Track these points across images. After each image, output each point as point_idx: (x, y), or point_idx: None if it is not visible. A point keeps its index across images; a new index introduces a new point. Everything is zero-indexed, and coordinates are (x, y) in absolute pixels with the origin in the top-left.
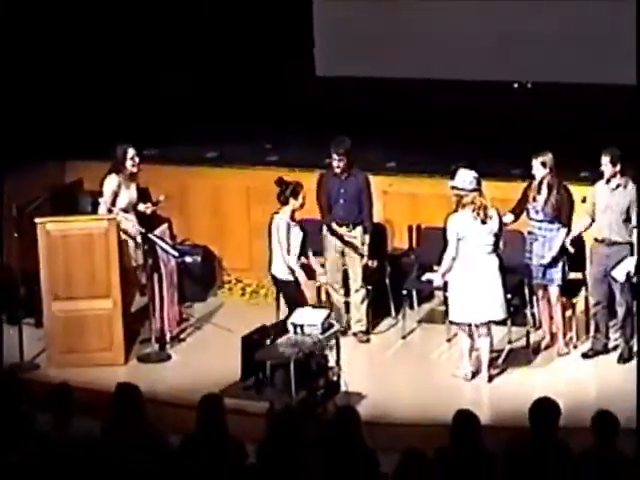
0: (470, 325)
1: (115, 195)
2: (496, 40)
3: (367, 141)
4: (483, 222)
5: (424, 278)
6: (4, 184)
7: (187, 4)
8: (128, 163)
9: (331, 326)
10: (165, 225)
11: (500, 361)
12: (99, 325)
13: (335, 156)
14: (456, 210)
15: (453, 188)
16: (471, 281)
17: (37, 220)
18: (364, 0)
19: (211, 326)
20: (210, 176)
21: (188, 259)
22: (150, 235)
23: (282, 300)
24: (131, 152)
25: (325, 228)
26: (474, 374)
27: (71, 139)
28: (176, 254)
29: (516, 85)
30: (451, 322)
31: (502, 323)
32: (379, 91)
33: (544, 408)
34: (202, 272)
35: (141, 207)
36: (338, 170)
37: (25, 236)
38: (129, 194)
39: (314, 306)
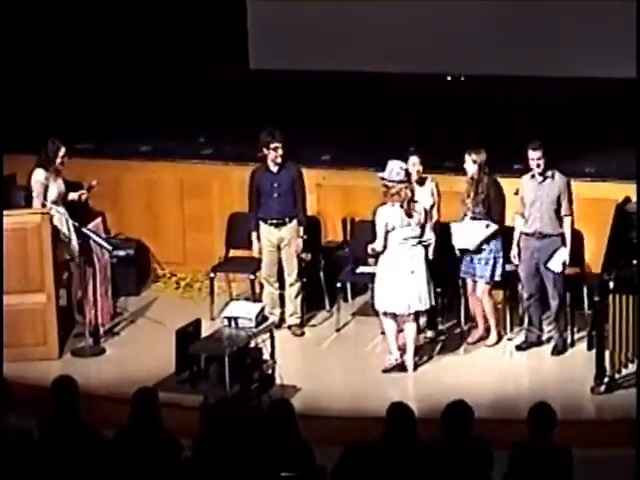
0: (395, 314)
1: (45, 188)
2: (431, 35)
3: (301, 135)
4: (408, 214)
5: (358, 271)
6: None
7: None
8: (57, 160)
9: (265, 319)
10: (99, 219)
11: (433, 351)
12: (33, 319)
13: (274, 145)
14: (384, 202)
15: (382, 179)
16: (397, 272)
17: None
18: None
19: (145, 320)
20: (144, 170)
21: (122, 253)
22: (84, 229)
23: (215, 294)
24: (62, 151)
25: (261, 222)
26: (402, 360)
27: (3, 132)
28: (110, 248)
29: (449, 78)
30: (376, 311)
31: (432, 313)
32: (313, 84)
33: (458, 411)
34: (136, 266)
35: (73, 195)
36: (279, 160)
37: None
38: (57, 186)
39: (248, 299)
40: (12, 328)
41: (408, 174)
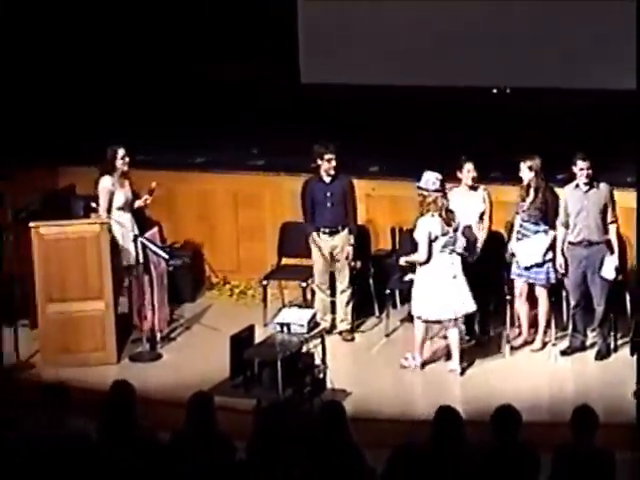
0: (436, 321)
1: (111, 195)
2: (479, 50)
3: (351, 146)
4: (447, 223)
5: (406, 278)
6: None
7: (175, 8)
8: (118, 162)
9: (317, 325)
10: (155, 228)
11: (479, 355)
12: (92, 326)
13: (328, 156)
14: (421, 212)
15: (419, 189)
16: (441, 279)
17: (31, 224)
18: (349, 8)
19: (200, 326)
20: (198, 181)
21: (177, 261)
22: (141, 238)
23: (268, 301)
24: (121, 152)
25: (314, 233)
26: (424, 365)
27: (63, 145)
28: (166, 256)
29: (495, 90)
30: (417, 318)
31: (481, 317)
32: (363, 97)
33: (506, 415)
34: (191, 274)
35: (138, 202)
36: (332, 172)
37: (20, 240)
38: (125, 193)
39: (300, 306)
40: (72, 334)
41: (443, 184)
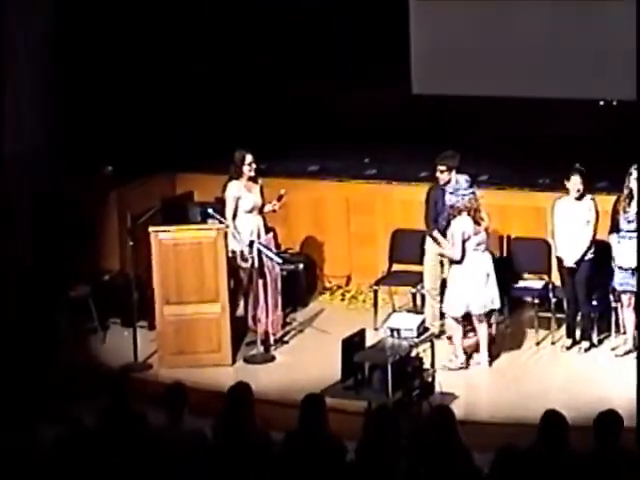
0: (465, 317)
1: (237, 201)
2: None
3: (461, 156)
4: (477, 223)
5: (517, 285)
6: (119, 196)
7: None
8: (245, 168)
9: (426, 330)
10: (270, 234)
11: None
12: (208, 328)
13: (439, 167)
14: (453, 212)
15: (450, 193)
16: (475, 276)
17: (150, 229)
18: (461, 18)
19: (313, 329)
20: (312, 188)
21: (291, 266)
22: (256, 243)
23: (379, 306)
24: (249, 158)
25: (428, 238)
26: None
27: (182, 153)
28: (280, 262)
29: (602, 103)
30: (447, 316)
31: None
32: (473, 108)
33: (609, 421)
34: (304, 279)
35: (268, 208)
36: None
37: (139, 244)
38: (253, 197)
39: (410, 311)
40: (188, 336)
41: (472, 185)
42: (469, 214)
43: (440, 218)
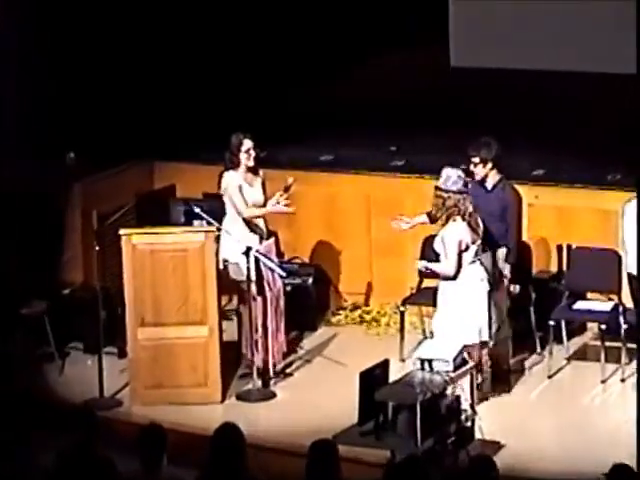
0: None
1: (241, 191)
2: None
3: (510, 144)
4: (473, 229)
5: (576, 307)
6: (84, 189)
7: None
8: (242, 156)
9: (465, 362)
10: (271, 240)
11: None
12: (193, 356)
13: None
14: (439, 216)
15: (436, 189)
16: (467, 297)
17: (121, 232)
18: None
19: (323, 359)
20: (324, 183)
21: (297, 280)
22: (253, 251)
23: (407, 331)
24: (247, 144)
25: None
26: None
27: (161, 137)
28: (284, 274)
29: None
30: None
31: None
32: (526, 85)
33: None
34: (313, 296)
35: (272, 205)
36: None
37: (107, 250)
38: (253, 193)
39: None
40: (169, 366)
41: (466, 184)
42: (463, 218)
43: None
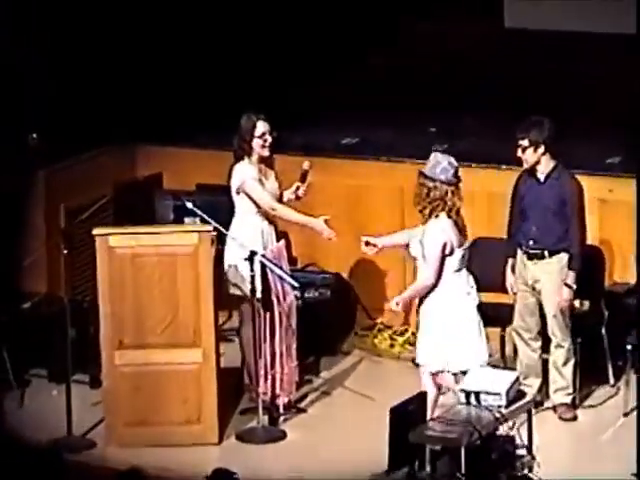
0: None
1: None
2: None
3: (574, 123)
4: (460, 230)
5: None
6: (50, 178)
7: None
8: (256, 143)
9: (521, 395)
10: (281, 242)
11: None
12: (183, 386)
13: (520, 142)
14: (422, 210)
15: (420, 175)
16: (454, 311)
17: (95, 231)
18: None
19: (345, 391)
20: (347, 172)
21: (313, 293)
22: (259, 256)
23: None
24: (262, 127)
25: (519, 253)
26: None
27: (145, 116)
28: (296, 285)
29: None
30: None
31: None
32: (592, 51)
33: None
34: (333, 312)
35: (288, 196)
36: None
37: (78, 254)
38: (268, 188)
39: (495, 366)
40: (153, 398)
41: (457, 173)
42: (449, 215)
43: (528, 223)
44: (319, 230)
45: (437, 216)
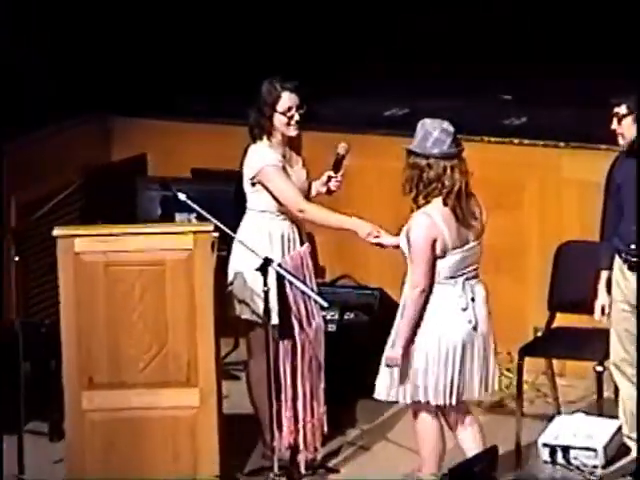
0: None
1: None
2: None
3: None
4: (463, 221)
5: None
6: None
7: None
8: (279, 120)
9: (625, 452)
10: (305, 246)
11: None
12: (173, 438)
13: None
14: (414, 196)
15: (409, 154)
16: (447, 330)
17: (57, 232)
18: None
19: (389, 445)
20: (393, 153)
21: (347, 314)
22: (275, 266)
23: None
24: (288, 99)
25: (616, 263)
26: None
27: (124, 80)
28: (325, 304)
29: None
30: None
31: None
32: None
33: None
34: (374, 340)
35: (318, 188)
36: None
37: (34, 262)
38: (294, 177)
39: (588, 413)
40: (134, 454)
41: (458, 142)
42: (445, 202)
43: (627, 222)
44: (365, 234)
45: (428, 203)
